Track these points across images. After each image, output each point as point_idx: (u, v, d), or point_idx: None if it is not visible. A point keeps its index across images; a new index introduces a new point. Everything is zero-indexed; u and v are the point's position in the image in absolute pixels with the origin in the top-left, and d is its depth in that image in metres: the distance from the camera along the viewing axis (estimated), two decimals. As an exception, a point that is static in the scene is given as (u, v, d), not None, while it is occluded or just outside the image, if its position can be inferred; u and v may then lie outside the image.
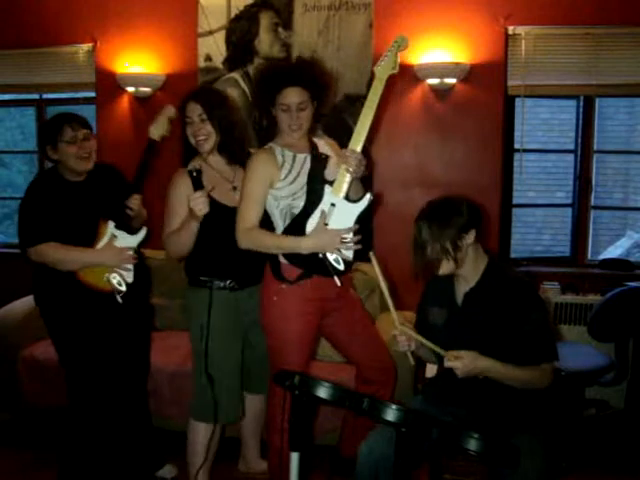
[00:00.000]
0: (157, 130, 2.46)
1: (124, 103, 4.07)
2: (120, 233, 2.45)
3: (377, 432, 2.02)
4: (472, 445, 1.37)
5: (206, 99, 2.41)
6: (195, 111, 2.38)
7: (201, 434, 2.49)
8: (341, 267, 2.27)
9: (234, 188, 2.45)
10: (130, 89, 3.97)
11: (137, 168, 2.46)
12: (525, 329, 1.94)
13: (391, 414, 1.38)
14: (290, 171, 2.33)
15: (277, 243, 2.30)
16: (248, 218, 2.29)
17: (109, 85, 4.04)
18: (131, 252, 2.46)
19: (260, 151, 2.40)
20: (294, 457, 1.60)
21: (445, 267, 2.00)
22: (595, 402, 3.41)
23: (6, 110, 5.09)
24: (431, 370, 2.32)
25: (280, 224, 2.35)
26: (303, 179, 2.31)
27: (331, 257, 2.26)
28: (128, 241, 2.47)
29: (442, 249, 1.96)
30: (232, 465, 2.86)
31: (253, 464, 2.81)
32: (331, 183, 2.26)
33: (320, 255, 2.24)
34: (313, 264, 2.27)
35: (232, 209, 2.38)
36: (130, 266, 2.46)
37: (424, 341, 1.96)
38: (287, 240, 2.28)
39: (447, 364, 1.90)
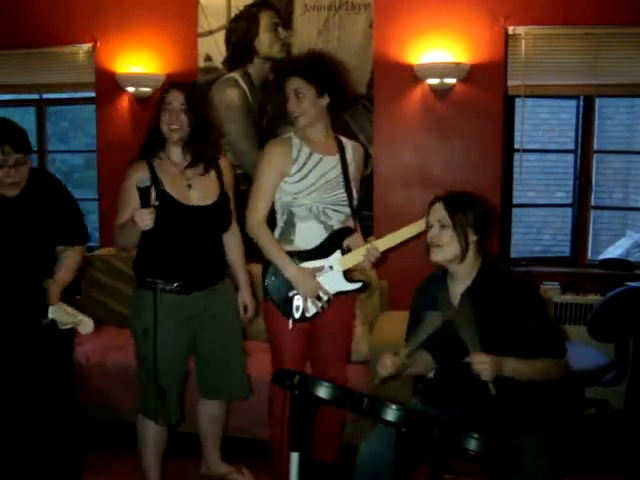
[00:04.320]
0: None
1: (124, 103, 4.07)
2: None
3: (377, 432, 2.02)
4: (472, 445, 1.37)
5: (191, 91, 2.41)
6: (178, 99, 2.35)
7: (150, 430, 2.51)
8: (296, 315, 2.39)
9: (189, 186, 2.41)
10: (130, 89, 3.97)
11: None
12: (528, 325, 1.95)
13: (391, 414, 1.38)
14: (301, 168, 2.38)
15: (272, 252, 2.39)
16: (260, 207, 2.40)
17: (109, 85, 4.03)
18: None
19: (278, 140, 2.46)
20: (294, 457, 1.60)
21: (441, 254, 2.01)
22: (595, 402, 3.41)
23: (6, 110, 5.07)
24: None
25: (279, 216, 2.44)
26: (311, 179, 2.38)
27: (297, 301, 2.38)
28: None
29: (458, 232, 1.98)
30: (193, 463, 2.84)
31: (214, 467, 2.76)
32: (343, 251, 2.42)
33: (290, 294, 2.38)
34: (278, 294, 2.39)
35: (186, 207, 2.37)
36: None
37: (465, 335, 1.91)
38: (280, 256, 2.38)
39: (475, 368, 1.87)
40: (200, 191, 2.43)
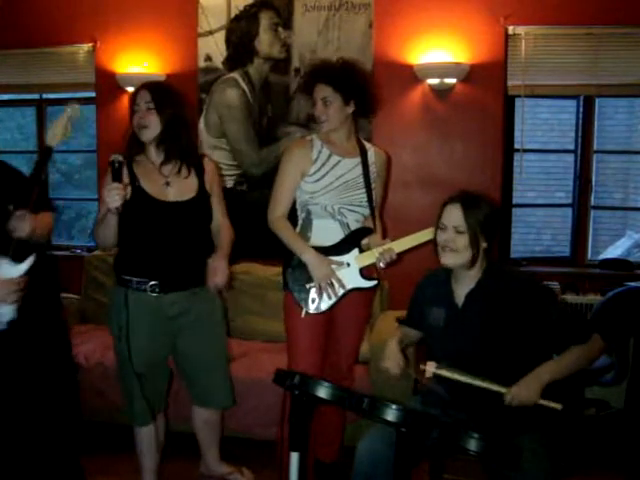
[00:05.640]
0: (56, 134, 2.18)
1: (124, 103, 4.06)
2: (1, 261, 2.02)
3: (375, 432, 2.01)
4: (472, 445, 1.37)
5: (156, 89, 2.38)
6: (143, 98, 2.34)
7: (143, 435, 2.50)
8: (311, 307, 2.43)
9: (167, 183, 2.38)
10: (130, 89, 3.97)
11: (29, 180, 2.16)
12: (551, 320, 1.96)
13: (391, 414, 1.38)
14: (319, 169, 2.45)
15: (290, 239, 2.45)
16: (280, 204, 2.49)
17: (109, 85, 4.03)
18: (14, 285, 2.02)
19: (300, 141, 2.56)
20: (294, 457, 1.60)
21: (455, 258, 2.00)
22: (595, 402, 3.41)
23: (6, 110, 5.09)
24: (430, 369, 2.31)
25: (299, 214, 2.52)
26: (328, 179, 2.44)
27: (313, 294, 2.43)
28: (10, 272, 2.02)
29: (472, 240, 1.97)
30: (193, 463, 2.83)
31: (213, 467, 2.75)
32: (361, 250, 2.47)
33: (307, 285, 2.43)
34: (296, 285, 2.45)
35: (163, 203, 2.34)
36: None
37: (468, 380, 1.95)
38: (298, 242, 2.44)
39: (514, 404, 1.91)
40: (178, 188, 2.39)
